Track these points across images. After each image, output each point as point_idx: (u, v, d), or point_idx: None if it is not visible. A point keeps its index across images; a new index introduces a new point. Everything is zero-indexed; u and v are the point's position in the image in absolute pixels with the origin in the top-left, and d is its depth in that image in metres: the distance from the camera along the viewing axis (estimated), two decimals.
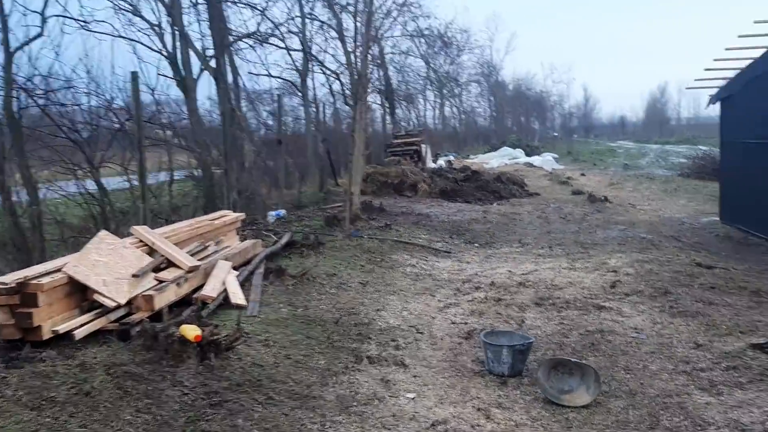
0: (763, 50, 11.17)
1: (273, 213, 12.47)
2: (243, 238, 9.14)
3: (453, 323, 6.29)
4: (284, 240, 9.08)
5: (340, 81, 22.94)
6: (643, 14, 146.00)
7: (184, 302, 6.27)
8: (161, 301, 5.81)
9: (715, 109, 15.17)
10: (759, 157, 11.83)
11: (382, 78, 35.18)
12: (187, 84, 12.45)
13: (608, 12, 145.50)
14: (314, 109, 22.23)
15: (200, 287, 6.53)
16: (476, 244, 11.13)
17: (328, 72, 21.73)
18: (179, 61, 12.73)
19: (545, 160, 33.48)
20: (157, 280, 6.17)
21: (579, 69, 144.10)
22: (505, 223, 13.23)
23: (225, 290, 6.57)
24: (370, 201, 13.92)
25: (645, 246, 10.35)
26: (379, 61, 35.32)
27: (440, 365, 5.12)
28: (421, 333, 5.94)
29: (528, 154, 37.98)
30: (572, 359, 4.63)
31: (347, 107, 31.96)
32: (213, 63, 13.66)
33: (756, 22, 10.39)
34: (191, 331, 4.72)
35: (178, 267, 6.57)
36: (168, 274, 6.40)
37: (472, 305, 6.93)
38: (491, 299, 7.15)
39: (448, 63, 44.83)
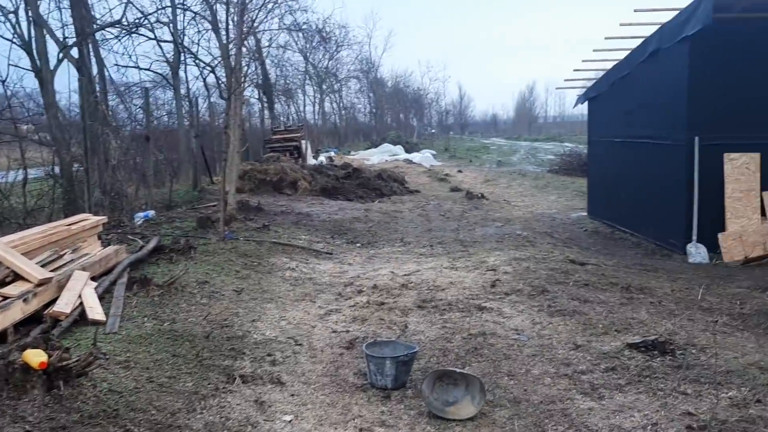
0: (627, 52, 11.70)
1: (141, 214, 11.66)
2: (106, 244, 8.40)
3: (334, 332, 5.99)
4: (151, 245, 8.42)
5: (214, 74, 22.05)
6: (513, 16, 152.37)
7: (34, 320, 5.61)
8: (5, 320, 5.14)
9: (581, 108, 15.89)
10: (622, 155, 12.42)
11: (259, 72, 34.34)
12: (43, 75, 11.34)
13: (480, 11, 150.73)
14: (188, 104, 21.21)
15: (53, 302, 5.86)
16: (358, 244, 10.91)
17: (202, 64, 20.81)
18: (35, 51, 11.58)
19: (424, 157, 33.98)
20: (0, 296, 5.48)
21: (454, 67, 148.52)
22: (387, 222, 13.13)
23: (81, 304, 5.93)
24: (247, 200, 13.39)
25: (521, 243, 10.54)
26: (256, 55, 34.38)
27: (320, 380, 4.81)
28: (300, 345, 5.61)
29: (407, 151, 38.43)
30: (457, 370, 4.47)
31: (223, 101, 30.93)
32: (75, 53, 12.58)
33: (622, 24, 10.85)
34: (35, 357, 4.12)
35: (27, 280, 5.87)
36: (13, 289, 5.69)
37: (354, 311, 6.68)
38: (374, 303, 6.93)
39: (327, 58, 44.56)
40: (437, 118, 76.59)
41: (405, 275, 8.32)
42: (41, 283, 5.83)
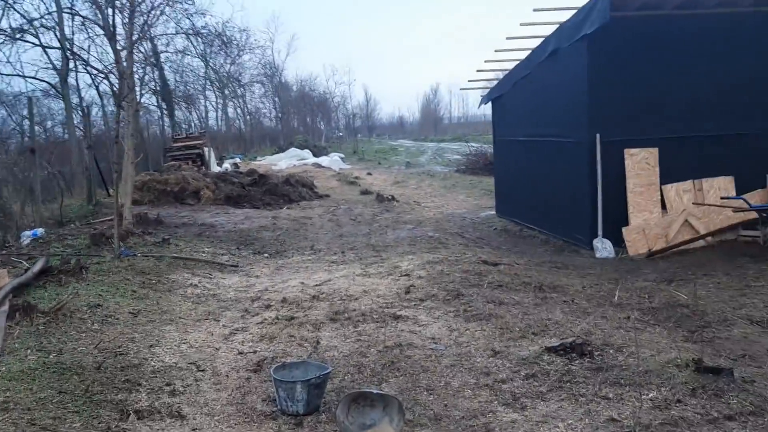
0: (529, 52, 11.81)
1: (28, 233, 10.77)
2: None
3: (240, 353, 5.57)
4: (37, 267, 7.68)
5: (108, 81, 20.88)
6: (416, 17, 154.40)
7: None
8: None
9: (484, 108, 16.04)
10: (527, 154, 12.56)
11: (157, 78, 33.01)
12: None
13: (383, 16, 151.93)
14: (80, 113, 20.00)
15: None
16: (266, 255, 10.46)
17: (95, 72, 19.64)
18: None
19: (333, 160, 33.67)
20: None
21: (359, 71, 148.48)
22: (296, 229, 12.72)
23: None
24: (145, 213, 12.65)
25: (434, 245, 10.41)
26: (153, 61, 33.04)
27: (225, 410, 4.40)
28: (202, 371, 5.16)
29: (315, 155, 38.03)
30: (374, 390, 4.18)
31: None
32: None
33: (522, 24, 10.92)
34: None
35: None
36: None
37: (262, 328, 6.27)
38: (283, 318, 6.54)
39: (229, 63, 43.45)
40: (344, 122, 76.52)
41: (316, 285, 7.98)
42: None
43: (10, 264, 8.47)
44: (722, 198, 9.61)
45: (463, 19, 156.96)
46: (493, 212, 14.85)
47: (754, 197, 9.70)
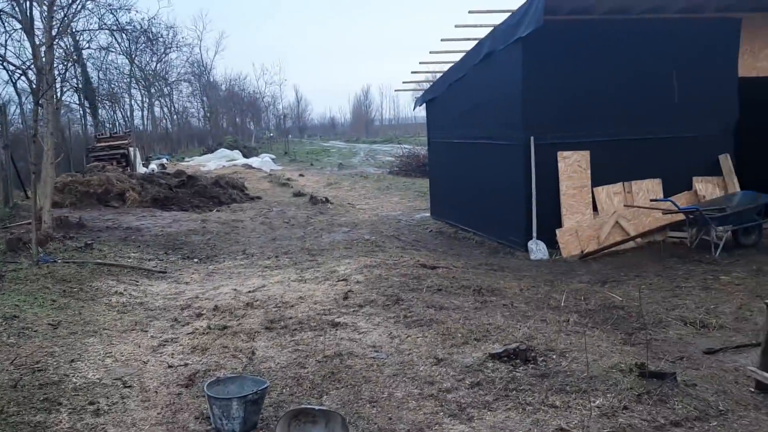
0: (463, 54, 11.82)
1: None
2: None
3: (170, 367, 5.25)
4: None
5: (26, 78, 19.73)
6: (347, 19, 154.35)
7: None
8: None
9: (416, 110, 16.02)
10: (462, 156, 12.58)
11: (79, 75, 31.65)
12: None
13: (313, 16, 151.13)
14: None
15: None
16: (195, 260, 10.06)
17: (12, 67, 18.54)
18: None
19: (264, 161, 33.10)
20: None
21: (290, 71, 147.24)
22: (227, 233, 12.32)
23: None
24: (66, 216, 12.00)
25: (370, 249, 10.26)
26: (75, 57, 31.66)
27: (155, 431, 4.10)
28: (129, 387, 4.82)
29: (246, 156, 37.32)
30: (315, 407, 3.97)
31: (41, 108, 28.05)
32: None
33: (457, 26, 10.91)
34: None
35: None
36: None
37: (193, 339, 5.95)
38: (215, 328, 6.24)
39: (156, 61, 42.18)
40: (275, 122, 75.53)
41: (249, 292, 7.68)
42: None
43: None
44: (651, 200, 9.85)
45: (396, 20, 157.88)
46: (428, 214, 14.83)
47: (681, 199, 9.98)
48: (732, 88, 10.51)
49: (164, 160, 34.80)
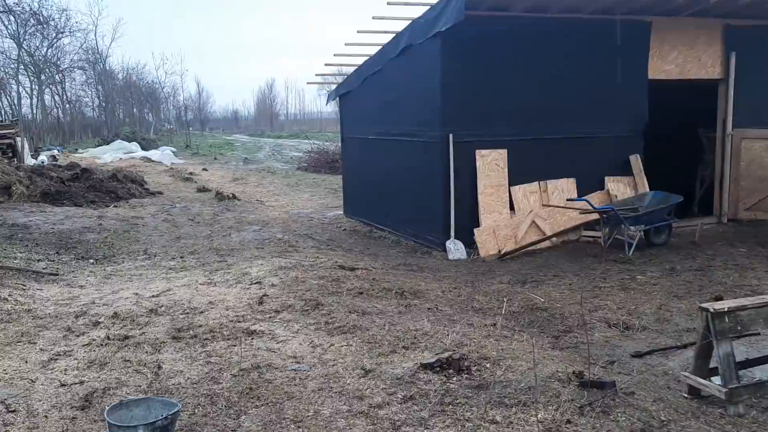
0: (379, 47, 11.50)
1: None
2: None
3: (63, 386, 4.61)
4: None
5: None
6: (253, 10, 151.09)
7: None
8: None
9: (320, 106, 15.72)
10: (378, 152, 12.27)
11: None
12: None
13: (216, 5, 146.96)
14: None
15: None
16: (91, 261, 9.23)
17: None
18: None
19: (164, 155, 31.63)
20: None
21: (191, 61, 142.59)
22: (126, 230, 11.45)
23: None
24: None
25: (284, 249, 9.78)
26: None
27: None
28: (13, 411, 4.17)
29: (144, 148, 35.57)
30: None
31: None
32: None
33: (374, 18, 10.57)
34: None
35: None
36: None
37: (89, 351, 5.31)
38: (115, 338, 5.61)
39: (46, 46, 39.59)
40: (175, 114, 72.80)
41: (153, 297, 7.04)
42: None
43: None
44: (568, 200, 9.90)
45: (306, 13, 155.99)
46: (341, 212, 14.44)
47: (594, 199, 10.09)
48: (642, 89, 10.73)
49: (56, 152, 32.58)
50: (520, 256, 9.60)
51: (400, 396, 4.31)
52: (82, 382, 4.68)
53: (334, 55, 12.58)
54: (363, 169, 13.21)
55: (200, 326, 5.92)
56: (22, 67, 34.60)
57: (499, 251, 9.61)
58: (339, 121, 15.18)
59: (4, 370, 4.87)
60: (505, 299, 7.18)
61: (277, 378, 4.71)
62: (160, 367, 4.96)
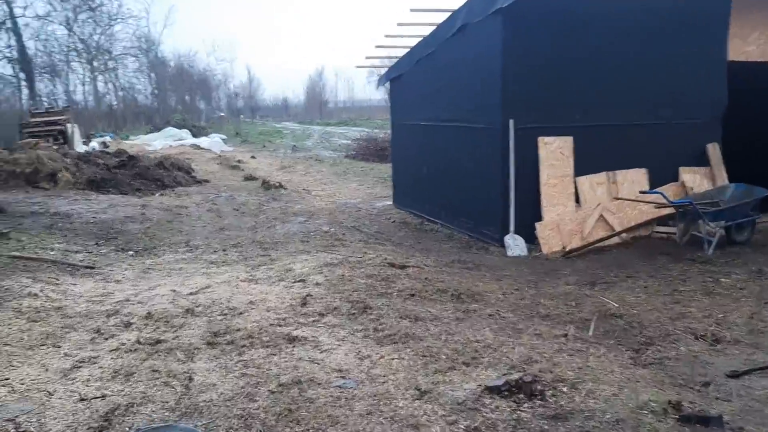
0: (433, 27, 10.79)
1: None
2: None
3: (83, 400, 4.12)
4: None
5: None
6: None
7: None
8: None
9: (371, 93, 15.02)
10: (430, 139, 11.58)
11: (14, 44, 29.55)
12: None
13: None
14: None
15: None
16: (131, 252, 8.84)
17: None
18: None
19: (213, 142, 31.57)
20: None
21: (242, 48, 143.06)
22: (169, 220, 11.07)
23: None
24: None
25: (330, 242, 9.21)
26: (10, 25, 29.53)
27: None
28: None
29: (195, 135, 35.64)
30: None
31: None
32: None
33: None
34: None
35: None
36: None
37: (116, 358, 4.82)
38: (146, 343, 5.11)
39: (99, 33, 40.03)
40: (226, 101, 73.24)
41: (191, 294, 6.55)
42: None
43: None
44: (640, 192, 9.05)
45: (352, 3, 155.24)
46: (390, 202, 13.82)
47: (668, 191, 9.20)
48: (721, 72, 9.78)
49: (107, 139, 32.87)
50: (586, 253, 8.82)
51: (462, 426, 3.67)
52: (104, 396, 4.17)
53: (386, 36, 11.92)
54: (414, 158, 12.53)
55: (238, 330, 5.38)
56: (75, 53, 34.98)
57: (564, 248, 8.85)
58: (388, 108, 14.53)
59: (22, 379, 4.41)
60: (573, 303, 6.46)
61: (320, 396, 4.12)
62: (191, 380, 4.43)
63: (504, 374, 4.21)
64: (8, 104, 29.73)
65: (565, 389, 4.09)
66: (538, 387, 4.02)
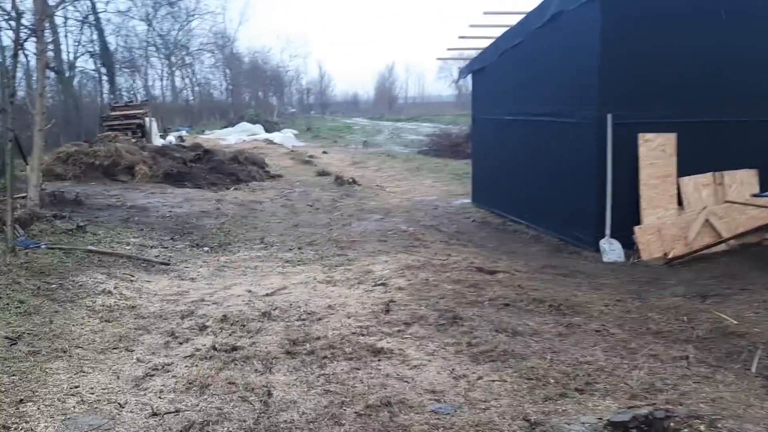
0: (521, 16, 10.15)
1: None
2: None
3: (155, 415, 3.78)
4: None
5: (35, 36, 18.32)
6: None
7: None
8: None
9: (441, 88, 14.45)
10: (515, 135, 10.95)
11: (96, 39, 30.36)
12: None
13: None
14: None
15: None
16: (206, 248, 8.62)
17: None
18: None
19: (286, 137, 31.68)
20: None
21: (314, 45, 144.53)
22: (244, 216, 10.85)
23: None
24: (62, 191, 10.59)
25: (409, 242, 8.75)
26: (93, 21, 30.33)
27: None
28: None
29: (267, 130, 35.88)
30: None
31: (56, 73, 26.72)
32: None
33: None
34: None
35: None
36: None
37: (191, 366, 4.47)
38: (222, 349, 4.77)
39: (177, 28, 40.85)
40: (298, 97, 73.92)
41: (267, 296, 6.21)
42: None
43: None
44: (752, 195, 8.19)
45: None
46: (468, 200, 13.25)
47: None
48: None
49: (183, 133, 33.47)
50: (690, 261, 8.02)
51: None
52: (177, 412, 3.82)
53: (470, 26, 11.33)
54: (496, 154, 11.91)
55: (318, 338, 4.97)
56: (154, 49, 35.77)
57: (665, 254, 8.09)
58: (459, 103, 13.97)
59: (92, 387, 4.11)
60: (685, 318, 5.77)
61: (413, 423, 3.64)
62: (269, 395, 4.04)
63: (629, 407, 3.63)
64: (90, 98, 30.54)
65: (702, 428, 3.48)
66: (672, 425, 3.42)
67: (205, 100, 54.73)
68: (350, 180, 15.61)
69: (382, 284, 6.46)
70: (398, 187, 15.61)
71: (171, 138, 27.96)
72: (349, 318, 5.48)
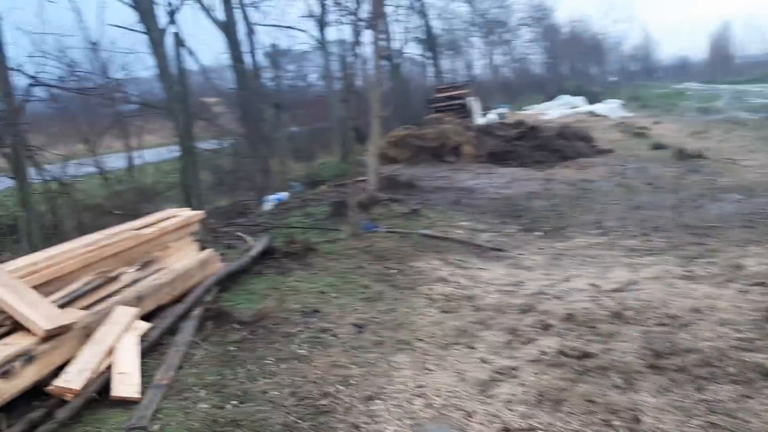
0: None
1: (272, 197, 9.74)
2: (205, 246, 6.39)
3: (506, 431, 3.38)
4: (257, 248, 6.31)
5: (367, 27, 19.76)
6: None
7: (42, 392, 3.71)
8: None
9: None
10: None
11: (422, 26, 31.86)
12: (153, 37, 9.65)
13: None
14: (341, 63, 19.20)
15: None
16: (538, 233, 8.13)
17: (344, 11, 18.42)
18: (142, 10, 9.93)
19: (610, 108, 29.69)
20: None
21: (638, 6, 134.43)
22: (575, 196, 10.12)
23: (109, 367, 3.89)
24: (395, 175, 11.02)
25: None
26: (420, 8, 31.87)
27: None
28: None
29: (590, 102, 34.10)
30: None
31: (388, 61, 28.79)
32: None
33: None
34: None
35: (30, 331, 3.91)
36: (6, 348, 3.74)
37: (539, 374, 3.99)
38: (572, 355, 4.20)
39: (496, 6, 41.06)
40: (619, 65, 69.55)
41: (614, 291, 5.46)
42: (48, 335, 3.82)
43: (239, 239, 7.31)
44: None
45: None
46: None
47: None
48: None
49: (504, 110, 33.54)
50: None
51: None
52: (531, 430, 3.37)
53: None
54: None
55: (688, 351, 4.11)
56: (474, 28, 36.41)
57: None
58: None
59: (437, 389, 3.87)
60: None
61: None
62: (637, 420, 3.38)
63: None
64: (416, 82, 32.23)
65: None
66: None
67: (523, 75, 54.39)
68: (694, 153, 13.74)
69: (760, 283, 5.25)
70: (755, 160, 13.28)
71: (491, 116, 28.14)
72: (722, 326, 4.48)
